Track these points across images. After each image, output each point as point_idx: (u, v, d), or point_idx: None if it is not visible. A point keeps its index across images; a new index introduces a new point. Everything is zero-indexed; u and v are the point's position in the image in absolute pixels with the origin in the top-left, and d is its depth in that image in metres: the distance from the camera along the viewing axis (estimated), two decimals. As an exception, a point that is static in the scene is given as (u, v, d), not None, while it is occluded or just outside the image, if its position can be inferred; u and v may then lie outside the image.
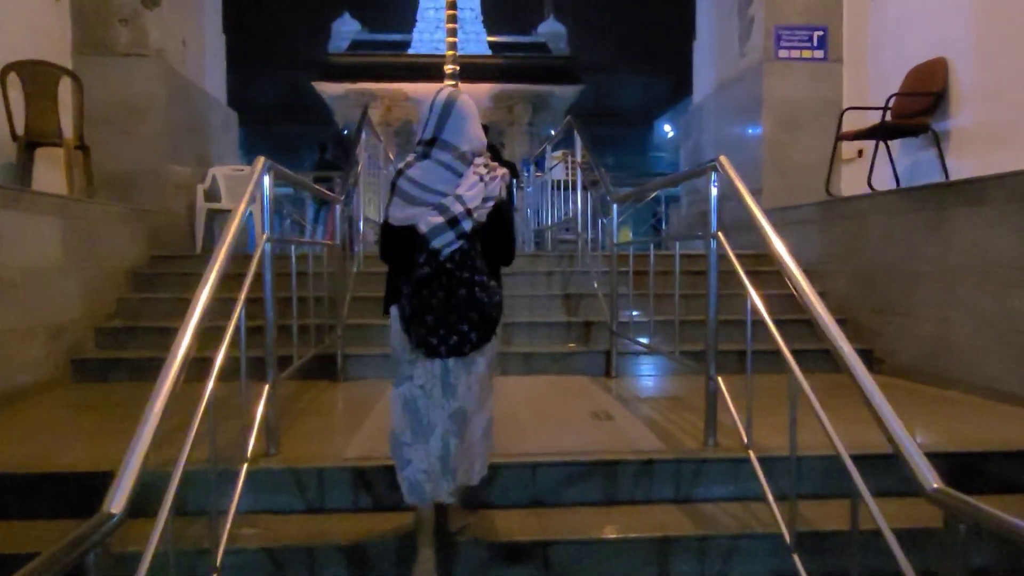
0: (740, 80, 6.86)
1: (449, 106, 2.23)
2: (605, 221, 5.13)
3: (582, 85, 26.40)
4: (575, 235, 5.84)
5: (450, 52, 19.80)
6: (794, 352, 2.30)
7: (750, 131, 6.64)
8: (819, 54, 6.42)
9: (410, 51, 29.22)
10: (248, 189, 2.73)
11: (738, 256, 2.95)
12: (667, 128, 42.69)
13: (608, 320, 4.62)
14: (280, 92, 45.05)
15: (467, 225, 2.13)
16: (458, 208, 2.13)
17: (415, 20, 31.63)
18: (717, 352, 3.00)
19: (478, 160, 2.25)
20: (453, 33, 20.17)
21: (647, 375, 4.64)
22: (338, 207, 4.46)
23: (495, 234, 2.25)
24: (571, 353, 4.69)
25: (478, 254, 2.17)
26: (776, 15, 6.41)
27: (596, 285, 5.08)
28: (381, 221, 2.35)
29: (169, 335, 1.87)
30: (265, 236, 2.81)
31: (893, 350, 4.60)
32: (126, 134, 5.92)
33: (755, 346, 2.68)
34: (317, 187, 4.42)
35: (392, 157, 10.30)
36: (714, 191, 3.08)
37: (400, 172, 2.24)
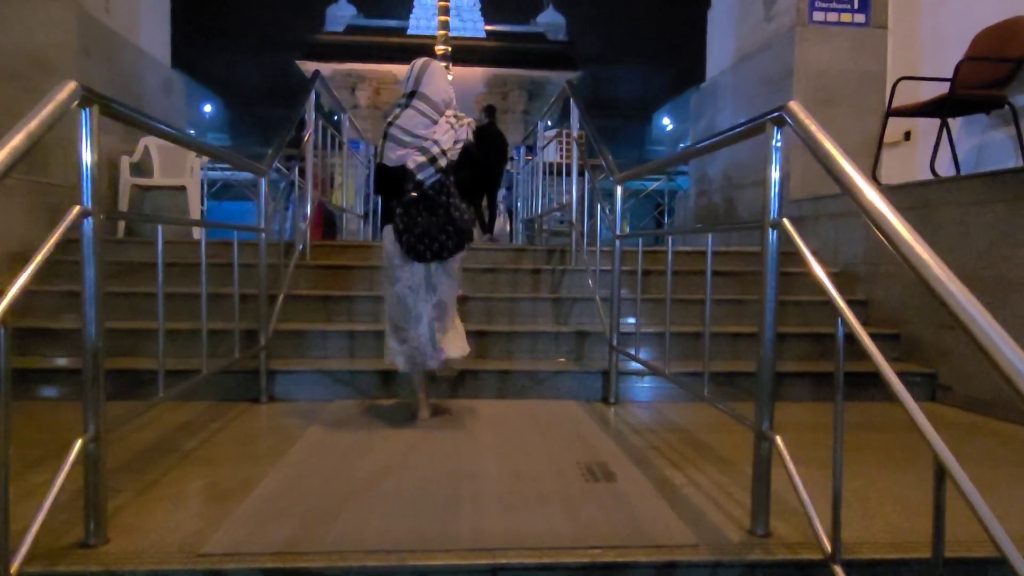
0: (765, 49, 5.88)
1: (424, 66, 2.99)
2: (606, 209, 4.16)
3: (579, 71, 25.35)
4: (569, 226, 4.86)
5: (442, 32, 18.80)
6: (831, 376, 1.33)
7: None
8: (860, 18, 5.44)
9: (409, 34, 28.15)
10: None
11: (740, 254, 1.94)
12: (666, 121, 41.73)
13: (607, 331, 3.66)
14: (268, 75, 43.97)
15: (443, 162, 2.85)
16: (436, 149, 2.85)
17: (412, 6, 30.58)
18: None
19: (448, 112, 2.97)
20: (446, 11, 19.14)
21: (658, 402, 3.67)
22: (263, 183, 3.44)
23: (464, 170, 2.93)
24: (560, 372, 3.71)
25: (452, 184, 2.86)
26: (811, -30, 5.42)
27: (592, 286, 4.10)
28: (376, 164, 3.09)
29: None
30: (77, 210, 1.80)
31: (966, 375, 3.64)
32: (28, 92, 4.87)
33: (788, 365, 1.68)
34: (213, 148, 3.40)
35: (364, 137, 9.31)
36: (775, 158, 2.05)
37: (390, 123, 2.95)
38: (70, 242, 1.76)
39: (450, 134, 2.89)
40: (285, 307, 3.93)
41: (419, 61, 3.00)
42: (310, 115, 4.64)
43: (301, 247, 4.48)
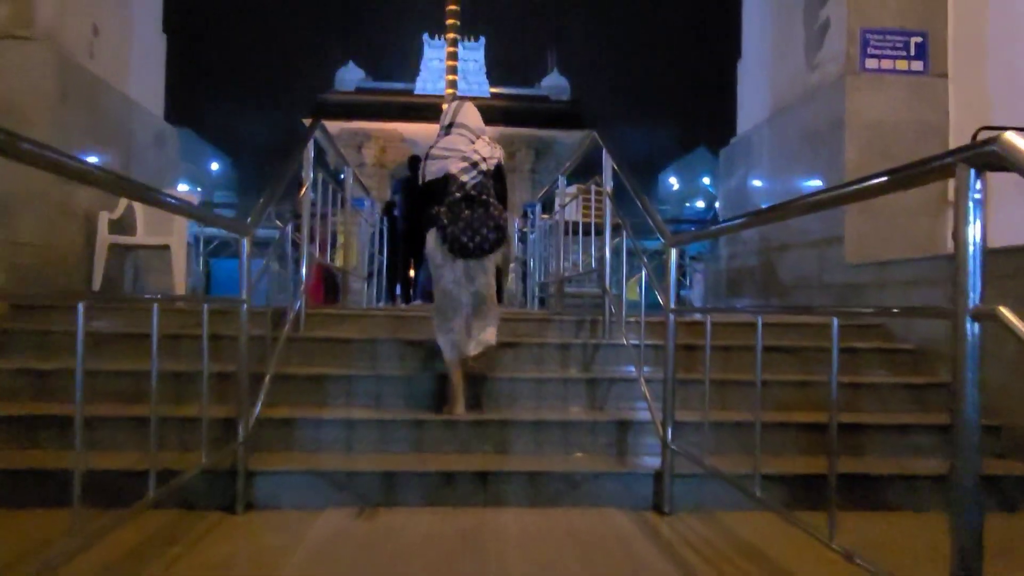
0: (809, 100, 5.39)
1: (460, 103, 3.60)
2: (649, 275, 3.57)
3: (587, 131, 25.22)
4: (600, 291, 4.25)
5: (449, 91, 18.66)
6: None
7: (825, 163, 5.13)
8: (917, 66, 4.96)
9: (416, 94, 28.22)
10: None
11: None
12: (672, 180, 41.73)
13: (656, 422, 3.02)
14: (277, 135, 44.38)
15: (484, 166, 3.36)
16: (476, 156, 3.37)
17: (419, 70, 30.81)
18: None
19: (485, 136, 3.53)
20: (453, 71, 19.03)
21: (729, 512, 2.96)
22: (245, 243, 2.84)
23: (498, 182, 3.46)
24: (600, 474, 3.04)
25: (491, 187, 3.37)
26: (861, 15, 4.98)
27: (638, 373, 3.46)
28: (421, 183, 3.47)
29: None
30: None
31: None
32: (-5, 139, 4.37)
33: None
34: (186, 206, 2.80)
35: (367, 190, 8.82)
36: (973, 215, 1.42)
37: (431, 147, 3.46)
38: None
39: (488, 149, 3.40)
40: (272, 389, 3.30)
41: (455, 102, 3.56)
42: (308, 167, 4.10)
43: (294, 315, 3.87)
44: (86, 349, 1.78)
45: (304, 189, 4.06)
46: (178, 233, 5.08)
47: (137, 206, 5.21)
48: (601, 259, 4.21)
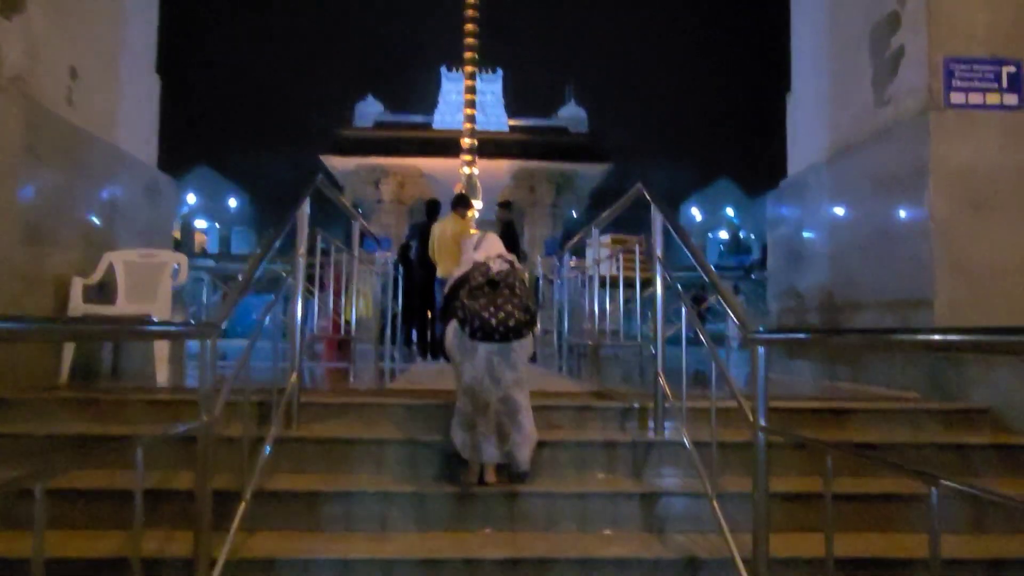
0: (879, 140, 4.70)
1: (483, 235, 3.37)
2: (720, 369, 2.87)
3: (608, 164, 24.68)
4: (653, 375, 3.54)
5: (468, 126, 18.22)
6: None
7: (903, 215, 4.42)
8: (1011, 99, 4.27)
9: (434, 128, 27.98)
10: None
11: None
12: (694, 211, 40.99)
13: (738, 561, 2.31)
14: (296, 171, 44.39)
15: (509, 257, 3.09)
16: (502, 249, 3.21)
17: (437, 102, 30.65)
18: None
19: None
20: (472, 105, 18.61)
21: None
22: (208, 346, 2.19)
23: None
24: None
25: (516, 275, 2.99)
26: (943, 43, 4.30)
27: (708, 489, 2.74)
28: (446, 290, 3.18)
29: None
30: None
31: None
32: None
33: None
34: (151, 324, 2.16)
35: (378, 240, 8.23)
36: None
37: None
38: None
39: (512, 256, 3.13)
40: (252, 513, 2.64)
41: (477, 234, 3.46)
42: (302, 227, 3.48)
43: (284, 404, 3.22)
44: None
45: (301, 251, 3.43)
46: (162, 299, 4.48)
47: (119, 266, 4.63)
48: (654, 334, 3.51)
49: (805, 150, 5.84)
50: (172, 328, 2.16)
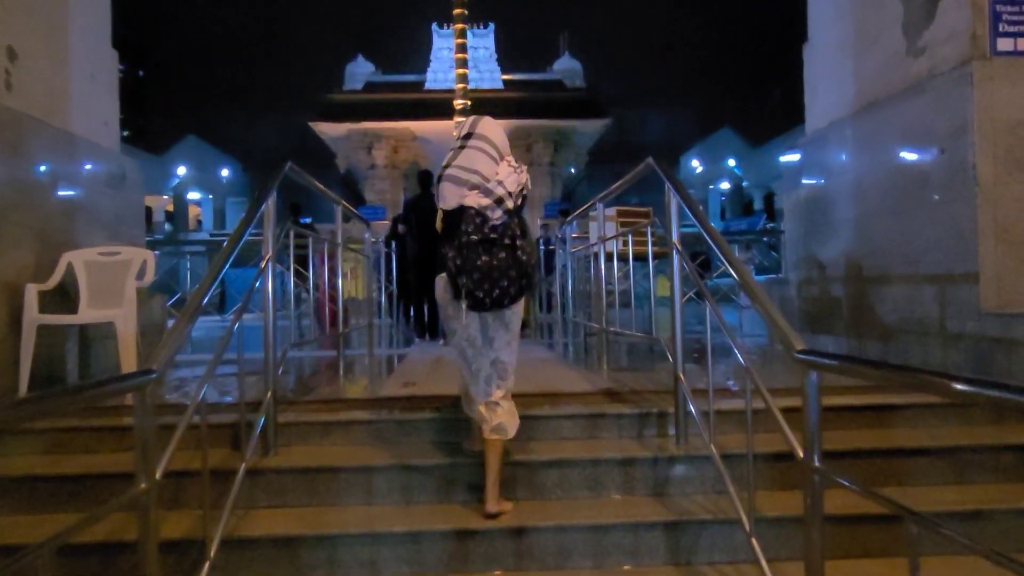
0: (913, 94, 4.22)
1: (478, 118, 2.82)
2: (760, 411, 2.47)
3: (607, 119, 23.94)
4: (672, 376, 3.14)
5: (460, 86, 17.51)
6: None
7: (941, 177, 3.97)
8: (1064, 45, 3.78)
9: (426, 89, 27.13)
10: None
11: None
12: (695, 163, 40.11)
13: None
14: (287, 137, 43.40)
15: (510, 203, 2.62)
16: (501, 190, 2.63)
17: (429, 60, 29.71)
18: None
19: (508, 157, 2.78)
20: (463, 64, 17.89)
21: None
22: (144, 403, 1.79)
23: (522, 217, 2.74)
24: None
25: (516, 225, 2.64)
26: (988, -18, 3.80)
27: (744, 518, 2.37)
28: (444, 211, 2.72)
29: None
30: None
31: None
32: None
33: None
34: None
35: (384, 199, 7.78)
36: None
37: (446, 166, 2.73)
38: None
39: (514, 177, 2.70)
40: (223, 561, 2.29)
41: (471, 117, 2.87)
42: (269, 225, 3.05)
43: (261, 430, 2.85)
44: None
45: (265, 262, 3.01)
46: (128, 303, 4.08)
47: (79, 267, 4.22)
48: (672, 337, 3.11)
49: (825, 105, 5.34)
50: (96, 389, 1.74)
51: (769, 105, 47.71)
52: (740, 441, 2.55)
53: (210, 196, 39.04)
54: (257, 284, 3.00)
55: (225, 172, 39.47)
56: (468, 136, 2.73)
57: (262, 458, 2.90)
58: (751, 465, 2.38)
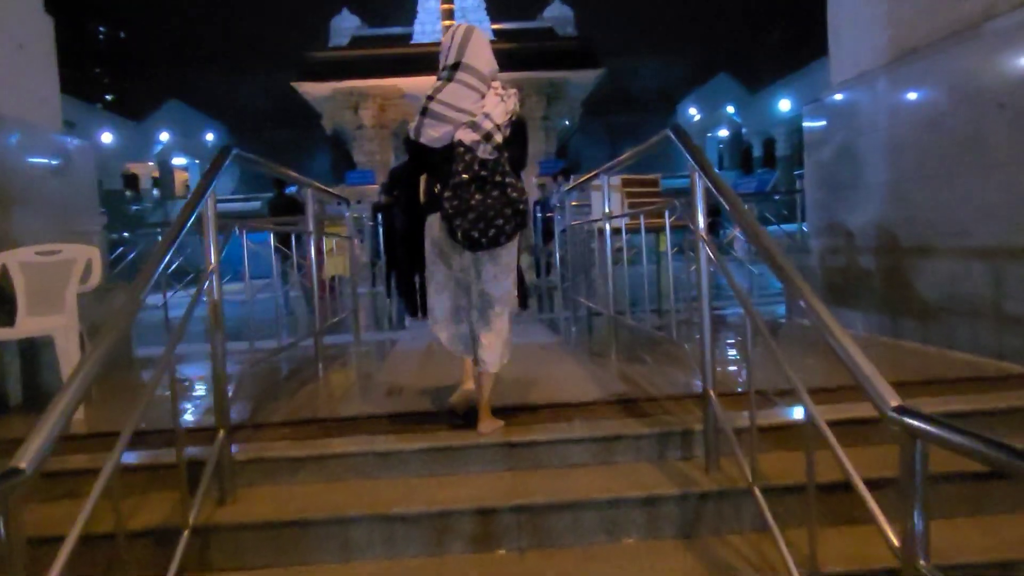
0: (963, 39, 3.65)
1: (467, 33, 2.72)
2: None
3: (601, 69, 23.03)
4: (702, 390, 2.68)
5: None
6: None
7: (996, 138, 3.44)
8: None
9: (412, 43, 26.05)
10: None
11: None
12: (692, 111, 39.07)
13: None
14: (273, 96, 42.08)
15: (499, 137, 2.62)
16: (489, 124, 2.60)
17: (416, 12, 28.51)
18: None
19: (495, 83, 2.72)
20: (449, 16, 17.01)
21: None
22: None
23: (515, 146, 2.72)
24: None
25: (506, 160, 2.63)
26: (1061, -99, 3.19)
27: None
28: (411, 140, 2.74)
29: None
30: None
31: None
32: None
33: None
34: None
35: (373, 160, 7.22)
36: None
37: (430, 98, 2.66)
38: None
39: (501, 107, 2.65)
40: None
41: (460, 28, 2.74)
42: (210, 227, 2.53)
43: (215, 472, 2.39)
44: None
45: (210, 265, 2.50)
46: (69, 312, 3.57)
47: (15, 270, 3.70)
48: (700, 344, 2.62)
49: (853, 53, 4.75)
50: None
51: (768, 47, 46.27)
52: (782, 464, 2.10)
53: (196, 161, 38.10)
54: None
55: (210, 136, 38.42)
56: (455, 66, 2.68)
57: (217, 508, 2.44)
58: (812, 510, 1.91)
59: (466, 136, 2.59)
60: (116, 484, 1.79)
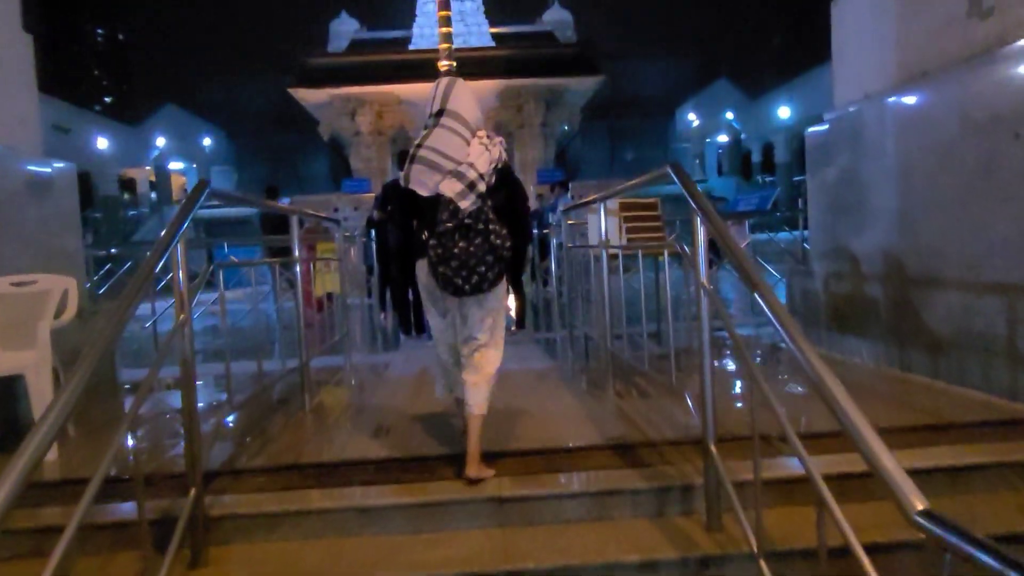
0: (975, 64, 3.51)
1: (450, 84, 2.80)
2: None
3: (600, 76, 22.91)
4: (703, 446, 2.53)
5: (444, 46, 16.52)
6: None
7: (1012, 167, 3.29)
8: None
9: (410, 48, 25.95)
10: None
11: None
12: (691, 116, 38.91)
13: None
14: (272, 101, 41.91)
15: (481, 186, 2.65)
16: (473, 173, 2.64)
17: (415, 16, 28.40)
18: None
19: (480, 132, 2.77)
20: (447, 22, 16.87)
21: None
22: None
23: (500, 193, 2.74)
24: None
25: (490, 209, 2.67)
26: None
27: None
28: (401, 186, 2.77)
29: None
30: None
31: None
32: None
33: None
34: None
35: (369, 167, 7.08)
36: None
37: (419, 145, 2.73)
38: None
39: (485, 156, 2.70)
40: None
41: (444, 80, 2.83)
42: (180, 268, 2.38)
43: (188, 531, 2.24)
44: None
45: (182, 314, 2.34)
46: (41, 347, 3.41)
47: (-12, 302, 3.54)
48: (700, 395, 2.47)
49: (859, 74, 4.61)
50: None
51: (768, 54, 46.21)
52: (790, 521, 1.95)
53: (194, 165, 37.92)
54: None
55: (207, 141, 38.26)
56: (440, 113, 2.75)
57: (188, 572, 2.29)
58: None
59: (449, 188, 2.63)
60: (74, 550, 1.65)
